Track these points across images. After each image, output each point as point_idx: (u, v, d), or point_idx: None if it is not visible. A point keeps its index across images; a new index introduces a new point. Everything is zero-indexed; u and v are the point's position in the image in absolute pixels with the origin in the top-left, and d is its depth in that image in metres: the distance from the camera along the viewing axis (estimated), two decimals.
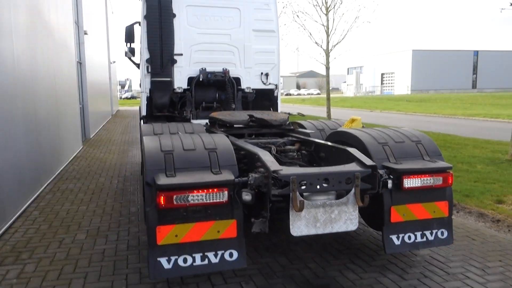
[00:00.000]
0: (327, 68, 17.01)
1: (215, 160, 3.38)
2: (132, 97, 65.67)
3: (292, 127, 5.51)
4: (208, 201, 3.13)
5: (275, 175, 3.18)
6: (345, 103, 40.07)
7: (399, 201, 3.61)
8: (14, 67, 5.72)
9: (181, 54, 6.83)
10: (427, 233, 3.74)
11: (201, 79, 6.90)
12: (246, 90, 7.23)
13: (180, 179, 3.12)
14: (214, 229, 3.22)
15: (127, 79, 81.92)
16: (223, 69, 6.99)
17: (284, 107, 7.53)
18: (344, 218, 3.41)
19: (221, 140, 3.64)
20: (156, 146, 3.45)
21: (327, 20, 16.09)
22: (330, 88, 18.21)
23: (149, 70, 6.76)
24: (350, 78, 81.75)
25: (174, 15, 6.75)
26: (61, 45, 9.52)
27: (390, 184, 3.49)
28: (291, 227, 3.28)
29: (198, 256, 3.22)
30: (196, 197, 3.10)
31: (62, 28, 9.73)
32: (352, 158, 3.68)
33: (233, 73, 7.07)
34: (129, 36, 7.60)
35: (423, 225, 3.71)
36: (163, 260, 3.16)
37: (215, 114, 5.54)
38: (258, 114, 5.49)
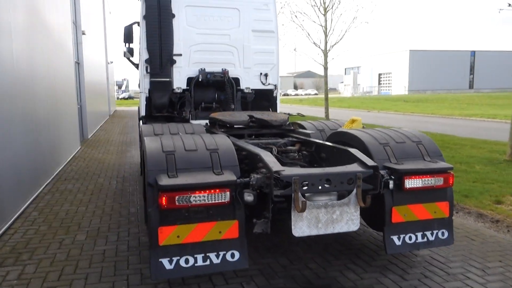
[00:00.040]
0: (325, 69, 17.04)
1: (216, 161, 3.38)
2: (129, 97, 65.52)
3: (292, 128, 5.52)
4: (210, 202, 3.13)
5: (277, 175, 3.19)
6: (343, 104, 40.12)
7: (400, 201, 3.61)
8: (13, 67, 5.70)
9: (180, 55, 6.82)
10: (428, 233, 3.75)
11: (200, 80, 6.90)
12: (246, 91, 7.24)
13: (182, 179, 3.11)
14: (216, 229, 3.22)
15: (124, 79, 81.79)
16: (222, 69, 6.99)
17: (281, 107, 7.53)
18: (345, 219, 3.42)
19: (223, 141, 3.64)
20: (157, 146, 3.45)
21: (325, 21, 16.15)
22: (328, 89, 18.24)
23: (148, 71, 6.75)
24: (348, 79, 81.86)
25: (173, 15, 6.74)
26: (59, 45, 9.50)
27: (391, 184, 3.50)
28: (293, 227, 3.28)
29: (200, 257, 3.22)
30: (198, 198, 3.10)
31: (60, 28, 9.71)
32: (354, 159, 3.68)
33: (232, 74, 7.07)
34: (128, 36, 7.59)
35: (424, 226, 3.72)
36: (165, 261, 3.16)
37: (215, 115, 5.54)
38: (258, 114, 5.50)
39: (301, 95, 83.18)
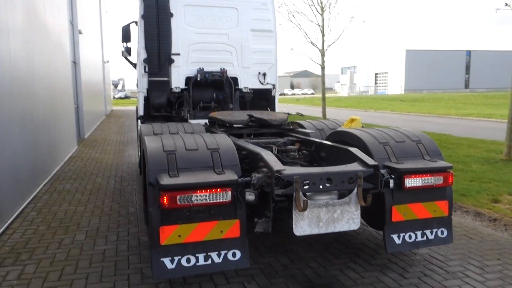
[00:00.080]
0: (323, 68, 17.06)
1: (217, 160, 3.38)
2: (126, 97, 65.34)
3: (291, 127, 5.52)
4: (211, 201, 3.13)
5: (278, 175, 3.19)
6: (340, 103, 40.19)
7: (400, 200, 3.63)
8: (12, 67, 5.68)
9: (179, 54, 6.82)
10: (428, 232, 3.77)
11: (198, 79, 6.89)
12: (244, 90, 7.24)
13: (184, 179, 3.12)
14: (217, 229, 3.22)
15: (120, 78, 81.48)
16: (220, 69, 6.99)
17: (279, 107, 7.54)
18: (346, 218, 3.43)
19: (223, 140, 3.65)
20: (158, 146, 3.44)
21: (323, 20, 16.17)
22: (325, 88, 18.27)
23: (147, 70, 6.74)
24: (344, 78, 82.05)
25: (172, 15, 6.73)
26: (56, 45, 9.46)
27: (391, 183, 3.52)
28: (294, 226, 3.29)
29: (201, 256, 3.22)
30: (200, 197, 3.10)
31: (57, 27, 9.67)
32: (354, 158, 3.70)
33: (230, 73, 7.07)
34: (126, 36, 7.56)
35: (424, 224, 3.74)
36: (166, 260, 3.16)
37: (214, 114, 5.54)
38: (257, 114, 5.50)
39: (298, 94, 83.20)
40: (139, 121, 7.30)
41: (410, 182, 3.57)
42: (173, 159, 3.31)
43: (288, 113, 5.99)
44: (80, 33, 13.92)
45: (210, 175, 3.21)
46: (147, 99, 6.90)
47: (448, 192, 3.80)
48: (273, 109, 7.43)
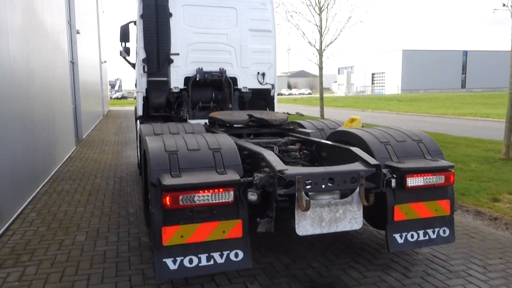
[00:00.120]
0: (320, 68, 17.06)
1: (219, 160, 3.37)
2: (123, 97, 65.22)
3: (291, 127, 5.52)
4: (214, 201, 3.12)
5: (280, 175, 3.18)
6: (337, 103, 40.23)
7: (402, 200, 3.63)
8: (11, 67, 5.65)
9: (178, 54, 6.80)
10: (430, 231, 3.77)
11: (197, 79, 6.88)
12: (243, 90, 7.23)
13: (186, 179, 3.10)
14: (219, 229, 3.21)
15: (117, 79, 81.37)
16: (219, 68, 6.98)
17: (277, 107, 7.54)
18: (348, 217, 3.42)
19: (225, 140, 3.63)
20: (160, 146, 3.43)
21: (320, 20, 16.16)
22: (322, 88, 18.27)
23: (146, 70, 6.72)
24: (341, 78, 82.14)
25: (171, 15, 6.71)
26: (55, 45, 9.43)
27: (393, 183, 3.52)
28: (296, 226, 3.28)
29: (203, 257, 3.21)
30: (202, 197, 3.09)
31: (56, 27, 9.63)
32: (355, 158, 3.69)
33: (229, 73, 7.05)
34: (124, 36, 7.54)
35: (426, 224, 3.73)
36: (168, 261, 3.14)
37: (214, 114, 5.53)
38: (257, 114, 5.49)
39: (295, 94, 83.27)
40: (138, 121, 7.28)
41: (412, 181, 3.57)
42: (175, 159, 3.30)
43: (288, 113, 5.98)
44: (78, 33, 13.88)
45: (213, 175, 3.20)
46: (146, 99, 6.88)
47: (450, 191, 3.80)
48: (272, 109, 7.42)
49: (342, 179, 3.35)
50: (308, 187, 3.27)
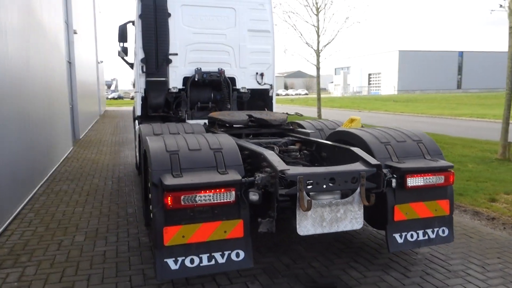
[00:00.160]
0: (318, 69, 17.10)
1: (221, 160, 3.37)
2: (119, 97, 65.02)
3: (291, 127, 5.53)
4: (215, 201, 3.12)
5: (282, 175, 3.19)
6: (334, 103, 40.32)
7: (402, 200, 3.64)
8: (9, 67, 5.62)
9: (176, 54, 6.79)
10: (429, 231, 3.79)
11: (196, 79, 6.87)
12: (242, 90, 7.22)
13: (188, 179, 3.10)
14: (221, 229, 3.21)
15: (113, 79, 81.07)
16: (218, 69, 6.97)
17: (276, 107, 7.55)
18: (349, 217, 3.43)
19: (226, 140, 3.64)
20: (161, 146, 3.43)
21: (318, 21, 16.20)
22: (320, 89, 18.30)
23: (144, 70, 6.70)
24: (337, 79, 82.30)
25: (169, 15, 6.70)
26: (53, 45, 9.39)
27: (394, 183, 3.53)
28: (297, 226, 3.29)
29: (205, 257, 3.21)
30: (204, 197, 3.09)
31: (53, 27, 9.59)
32: (355, 158, 3.71)
33: (228, 73, 7.05)
34: (122, 36, 7.51)
35: (425, 224, 3.75)
36: (170, 261, 3.14)
37: (214, 114, 5.53)
38: (257, 114, 5.50)
39: (292, 95, 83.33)
40: (136, 121, 7.26)
41: (412, 181, 3.59)
42: (176, 159, 3.30)
43: (287, 113, 5.99)
44: (75, 33, 13.84)
45: (214, 175, 3.20)
46: (144, 100, 6.87)
47: (449, 191, 3.82)
48: (270, 109, 7.42)
49: (343, 179, 3.36)
50: (309, 187, 3.28)
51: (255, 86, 7.29)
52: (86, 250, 4.38)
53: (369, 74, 78.56)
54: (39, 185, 7.09)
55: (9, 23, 5.76)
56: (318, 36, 16.39)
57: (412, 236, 3.73)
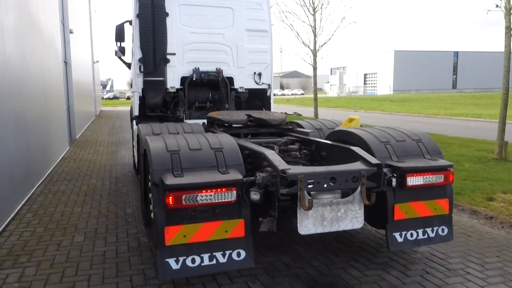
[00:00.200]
0: (315, 69, 17.11)
1: (221, 160, 3.37)
2: (115, 98, 64.83)
3: (290, 127, 5.53)
4: (216, 201, 3.12)
5: (283, 174, 3.19)
6: (330, 103, 40.39)
7: (402, 199, 3.66)
8: (6, 67, 5.60)
9: (174, 54, 6.78)
10: (429, 230, 3.80)
11: (194, 79, 6.86)
12: (239, 90, 7.22)
13: (189, 179, 3.10)
14: (222, 229, 3.21)
15: (109, 79, 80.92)
16: (216, 68, 6.97)
17: (274, 107, 7.55)
18: (350, 216, 3.44)
19: (227, 140, 3.64)
20: (161, 146, 3.42)
21: (314, 20, 16.20)
22: (316, 89, 18.31)
23: (142, 70, 6.68)
24: (333, 79, 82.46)
25: (167, 14, 6.69)
26: (49, 45, 9.35)
27: (394, 182, 3.55)
28: (298, 226, 3.30)
29: (206, 256, 3.21)
30: (205, 197, 3.09)
31: (49, 27, 9.55)
32: (355, 157, 3.72)
33: (226, 73, 7.05)
34: (120, 35, 7.50)
35: (425, 223, 3.77)
36: (171, 261, 3.14)
37: (213, 114, 5.53)
38: (256, 113, 5.50)
39: (288, 95, 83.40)
40: (134, 121, 7.24)
41: (412, 180, 3.60)
42: (177, 159, 3.29)
43: (286, 113, 5.99)
44: (71, 32, 13.79)
45: (215, 175, 3.20)
46: (142, 99, 6.85)
47: (449, 190, 3.84)
48: (268, 109, 7.43)
49: (344, 179, 3.37)
50: (310, 186, 3.28)
51: (253, 85, 7.29)
52: (86, 250, 4.36)
53: (365, 74, 78.77)
54: (36, 186, 7.05)
55: (6, 24, 5.73)
56: (315, 36, 16.39)
57: (412, 235, 3.74)
